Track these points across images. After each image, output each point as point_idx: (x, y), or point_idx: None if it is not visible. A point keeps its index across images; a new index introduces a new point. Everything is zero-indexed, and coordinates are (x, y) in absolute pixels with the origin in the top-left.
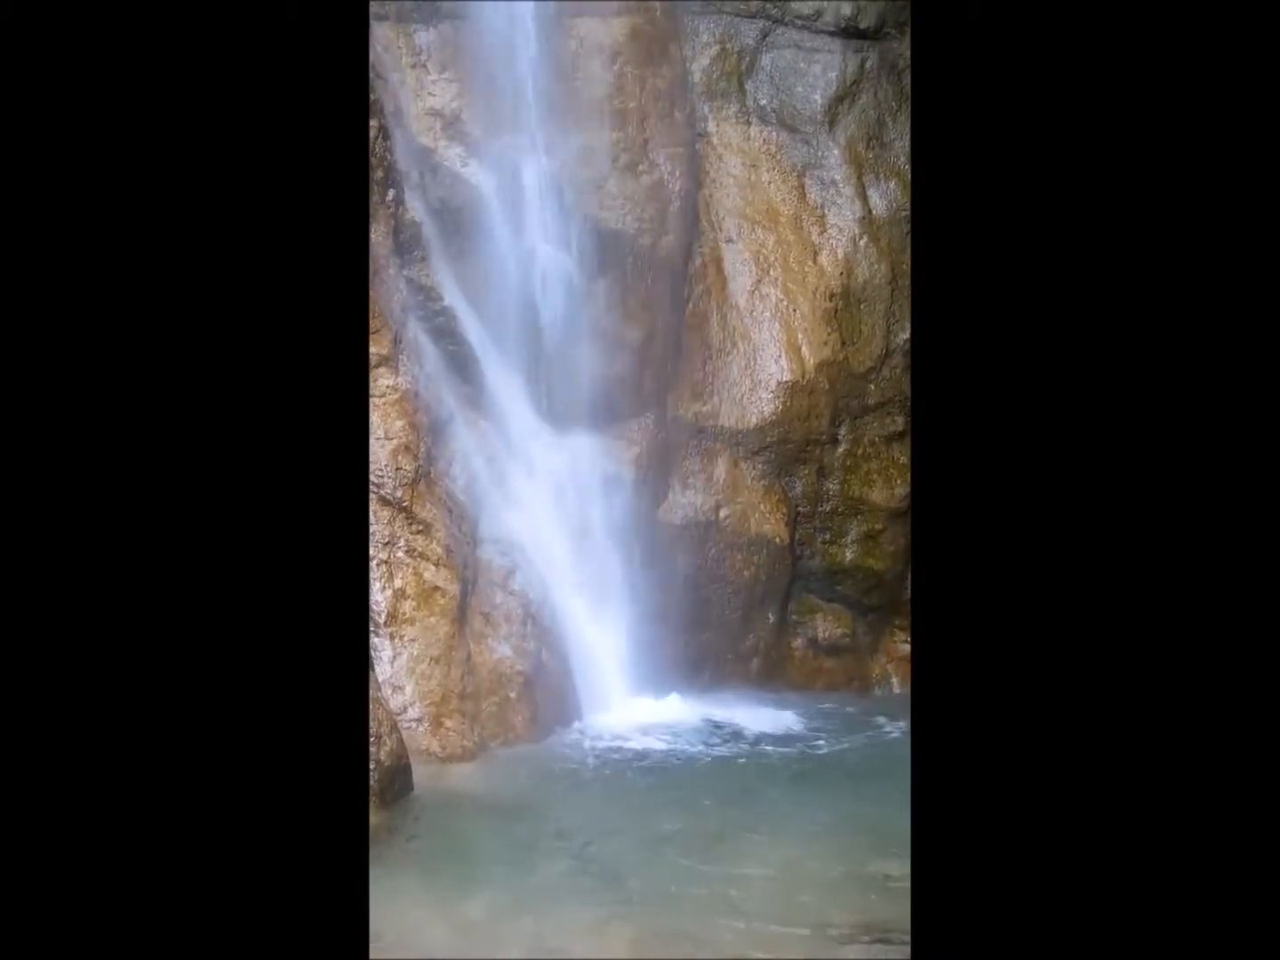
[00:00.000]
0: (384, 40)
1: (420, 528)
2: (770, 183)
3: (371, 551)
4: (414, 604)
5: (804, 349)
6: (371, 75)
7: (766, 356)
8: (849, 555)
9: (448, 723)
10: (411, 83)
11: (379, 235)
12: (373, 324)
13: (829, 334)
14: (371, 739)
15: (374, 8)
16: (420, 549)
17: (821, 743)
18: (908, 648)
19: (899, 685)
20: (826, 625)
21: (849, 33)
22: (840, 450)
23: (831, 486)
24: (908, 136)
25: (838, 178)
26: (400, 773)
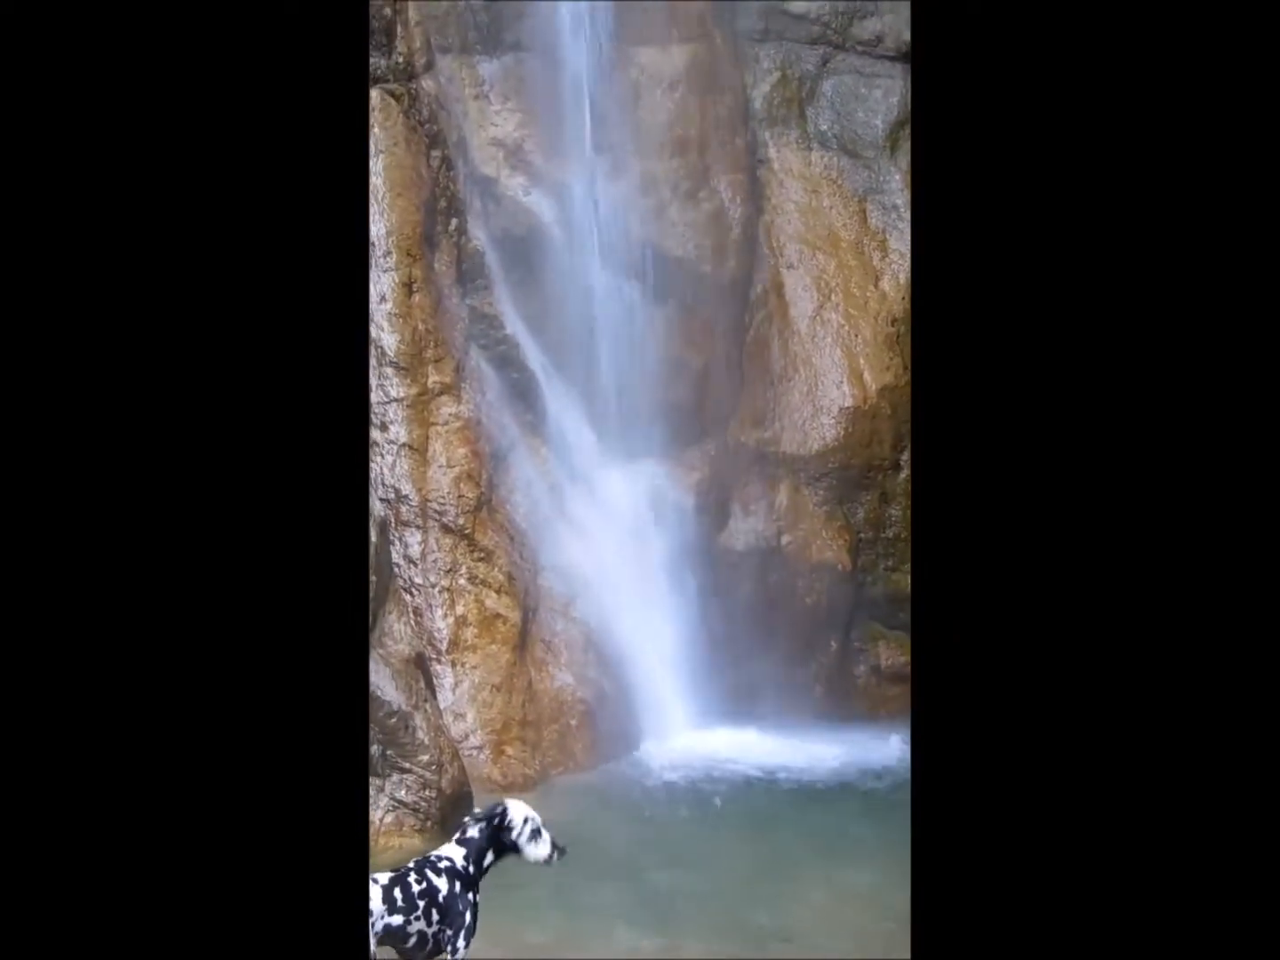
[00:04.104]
0: (447, 71)
1: (482, 555)
2: (831, 208)
3: (433, 579)
4: (475, 631)
5: (866, 374)
6: (435, 106)
7: (828, 382)
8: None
9: (509, 750)
10: (474, 113)
11: (442, 265)
12: (435, 352)
13: (891, 359)
14: (433, 767)
15: (437, 39)
16: (482, 576)
17: (883, 773)
18: None
19: None
20: (890, 652)
21: (910, 58)
22: (903, 476)
23: (894, 512)
24: None
25: (899, 202)
26: (461, 800)
